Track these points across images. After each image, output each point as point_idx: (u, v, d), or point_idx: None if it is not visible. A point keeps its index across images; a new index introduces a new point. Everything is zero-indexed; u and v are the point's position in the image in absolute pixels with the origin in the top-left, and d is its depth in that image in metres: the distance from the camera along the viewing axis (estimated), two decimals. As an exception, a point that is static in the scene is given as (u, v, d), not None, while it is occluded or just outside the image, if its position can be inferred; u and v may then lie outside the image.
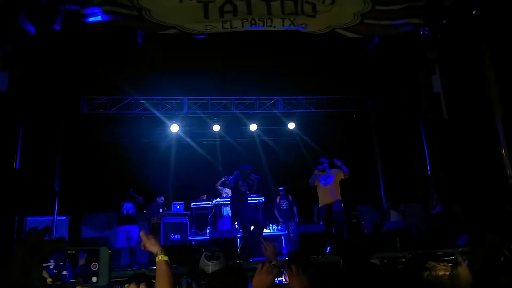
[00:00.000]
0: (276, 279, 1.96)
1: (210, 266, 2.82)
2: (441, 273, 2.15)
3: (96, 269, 1.09)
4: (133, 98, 10.36)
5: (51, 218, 9.74)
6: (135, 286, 1.26)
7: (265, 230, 9.70)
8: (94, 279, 1.08)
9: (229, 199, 9.88)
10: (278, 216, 10.07)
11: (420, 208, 10.04)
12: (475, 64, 8.52)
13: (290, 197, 10.04)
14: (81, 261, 1.07)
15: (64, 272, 1.08)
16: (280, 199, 10.04)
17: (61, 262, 1.08)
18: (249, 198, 9.81)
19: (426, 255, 3.08)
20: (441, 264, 2.25)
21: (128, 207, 8.91)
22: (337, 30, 7.15)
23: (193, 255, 3.07)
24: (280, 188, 10.15)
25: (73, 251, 1.09)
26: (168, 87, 10.09)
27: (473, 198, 9.17)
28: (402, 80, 10.24)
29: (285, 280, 2.68)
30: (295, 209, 9.96)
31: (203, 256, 2.91)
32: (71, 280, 1.08)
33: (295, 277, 1.89)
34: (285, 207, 9.90)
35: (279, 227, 10.10)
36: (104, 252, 1.11)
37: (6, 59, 7.26)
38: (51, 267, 1.05)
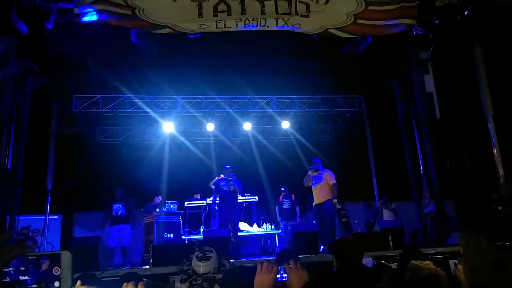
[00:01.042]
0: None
1: (201, 267, 2.83)
2: (424, 272, 2.17)
3: (58, 273, 1.06)
4: (126, 96, 10.31)
5: (43, 217, 9.68)
6: (133, 286, 1.25)
7: (257, 229, 9.73)
8: (56, 284, 1.05)
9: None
10: (278, 215, 10.09)
11: (412, 207, 10.11)
12: (467, 64, 8.60)
13: (293, 196, 10.08)
14: (44, 266, 1.05)
15: (25, 278, 1.06)
16: (282, 197, 10.08)
17: (22, 267, 1.06)
18: (239, 198, 9.88)
19: (416, 254, 3.11)
20: (424, 263, 2.27)
21: (117, 209, 8.88)
22: (330, 30, 7.17)
23: (186, 255, 3.07)
24: (282, 188, 10.17)
25: (34, 257, 1.06)
26: (162, 86, 10.05)
27: (465, 197, 9.26)
28: (395, 79, 10.29)
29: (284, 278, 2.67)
30: (297, 209, 10.01)
31: (194, 257, 2.92)
32: (33, 286, 1.06)
33: (294, 273, 1.88)
34: (287, 206, 9.94)
35: (272, 226, 10.13)
36: (66, 256, 1.10)
37: (-1, 58, 7.21)
38: (12, 272, 1.03)
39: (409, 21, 7.25)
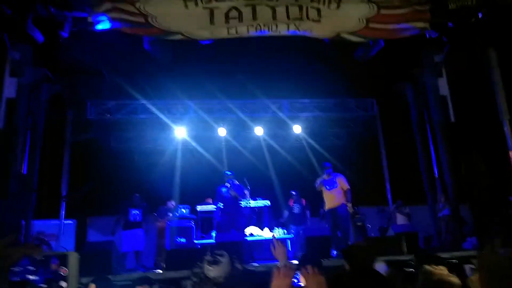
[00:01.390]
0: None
1: (211, 271, 2.82)
2: (436, 278, 2.14)
3: (65, 274, 1.10)
4: (139, 102, 10.42)
5: (58, 222, 9.82)
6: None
7: (269, 233, 9.69)
8: (64, 284, 1.08)
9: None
10: (286, 219, 10.02)
11: (427, 211, 9.99)
12: (481, 66, 8.48)
13: (303, 200, 9.98)
14: (54, 267, 1.05)
15: (34, 277, 1.07)
16: (293, 202, 10.00)
17: (32, 267, 1.07)
18: (251, 202, 9.89)
19: (430, 258, 3.07)
20: (436, 268, 2.23)
21: (135, 214, 8.87)
22: (342, 35, 7.15)
23: (199, 259, 3.06)
24: (293, 192, 10.08)
25: (43, 257, 1.09)
26: (174, 91, 10.14)
27: (480, 201, 9.11)
28: (408, 83, 10.21)
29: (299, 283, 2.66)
30: (308, 213, 9.91)
31: (205, 260, 2.91)
32: (42, 285, 1.07)
33: (311, 278, 1.85)
34: (297, 211, 9.83)
35: (285, 231, 10.08)
36: (73, 258, 1.11)
37: (15, 66, 7.36)
38: (21, 272, 1.03)
39: (421, 24, 7.19)
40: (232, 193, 8.31)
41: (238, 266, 2.97)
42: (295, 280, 2.02)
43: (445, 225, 9.17)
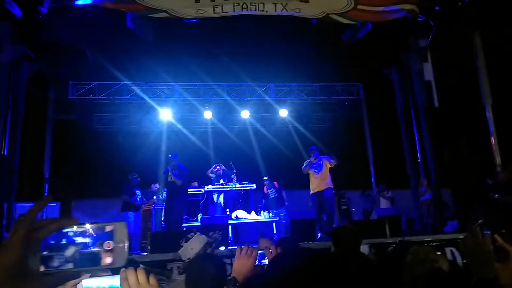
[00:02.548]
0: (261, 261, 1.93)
1: (183, 250, 2.86)
2: (423, 255, 2.16)
3: (110, 248, 0.91)
4: (123, 83, 10.23)
5: (41, 204, 9.66)
6: (132, 270, 1.22)
7: (255, 216, 9.72)
8: (109, 260, 0.90)
9: (221, 186, 9.91)
10: (263, 207, 9.97)
11: (410, 195, 10.15)
12: (467, 52, 8.54)
13: (275, 183, 9.93)
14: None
15: (81, 239, 0.87)
16: (267, 188, 9.94)
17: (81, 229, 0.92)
18: (235, 186, 9.80)
19: (414, 241, 3.12)
20: (425, 247, 2.26)
21: (140, 194, 8.86)
22: (331, 15, 7.08)
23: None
24: (265, 178, 10.04)
25: (81, 230, 0.90)
26: (159, 73, 9.97)
27: (462, 185, 9.29)
28: (394, 67, 10.24)
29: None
30: (284, 194, 9.85)
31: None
32: (92, 248, 0.90)
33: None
34: (273, 196, 9.82)
35: (270, 214, 10.12)
36: (121, 228, 0.93)
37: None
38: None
39: (409, 6, 7.17)
40: (173, 177, 7.93)
41: (209, 250, 2.96)
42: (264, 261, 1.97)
43: (427, 209, 9.33)
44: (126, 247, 0.92)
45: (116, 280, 1.25)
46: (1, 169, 7.47)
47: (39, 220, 0.85)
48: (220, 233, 3.14)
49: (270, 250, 1.87)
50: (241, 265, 1.83)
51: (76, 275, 0.93)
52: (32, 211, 0.84)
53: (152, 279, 1.23)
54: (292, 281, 0.96)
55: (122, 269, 1.22)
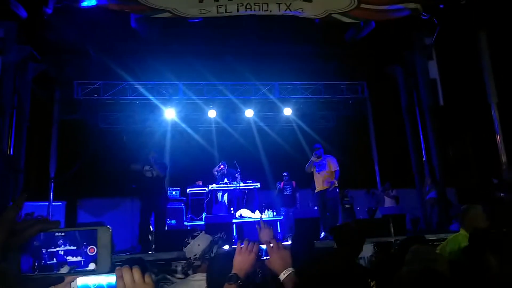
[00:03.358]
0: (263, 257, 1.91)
1: (188, 247, 2.88)
2: (423, 255, 2.16)
3: (93, 253, 0.88)
4: (127, 83, 10.27)
5: (47, 203, 9.74)
6: (127, 269, 1.21)
7: (259, 215, 9.74)
8: (92, 266, 0.88)
9: (225, 185, 9.93)
10: (280, 201, 10.07)
11: (415, 194, 10.12)
12: (472, 49, 8.49)
13: (294, 183, 10.05)
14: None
15: (73, 259, 0.87)
16: (284, 184, 10.06)
17: (73, 245, 0.87)
18: (239, 185, 9.77)
19: (417, 239, 3.12)
20: (427, 247, 2.26)
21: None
22: (333, 15, 7.07)
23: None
24: (284, 174, 10.13)
25: (63, 233, 0.87)
26: (163, 72, 10.00)
27: (467, 183, 9.25)
28: (398, 66, 10.20)
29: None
30: (297, 195, 10.00)
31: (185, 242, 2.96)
32: (84, 268, 0.87)
33: (276, 252, 1.80)
34: (288, 193, 9.92)
35: (274, 213, 10.14)
36: (104, 233, 0.89)
37: (-1, 43, 7.17)
38: (55, 254, 0.85)
39: (413, 5, 7.14)
40: (155, 172, 7.40)
41: (214, 249, 2.97)
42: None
43: (431, 207, 9.30)
44: (109, 252, 0.89)
45: (113, 278, 1.25)
46: (7, 169, 7.53)
47: (19, 222, 0.82)
48: (224, 233, 3.16)
49: (271, 245, 1.85)
50: (242, 261, 1.82)
51: (60, 280, 0.91)
52: (9, 213, 0.81)
53: (148, 278, 1.22)
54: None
55: (118, 267, 1.21)
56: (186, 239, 2.94)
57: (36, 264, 0.87)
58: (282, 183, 10.12)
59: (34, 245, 0.85)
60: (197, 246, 2.86)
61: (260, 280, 2.12)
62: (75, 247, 0.89)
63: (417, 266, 1.81)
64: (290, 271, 1.69)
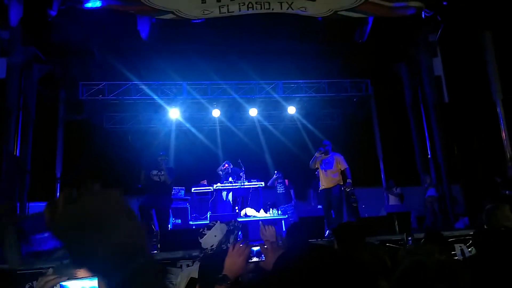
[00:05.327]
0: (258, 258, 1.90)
1: (204, 239, 2.86)
2: (414, 258, 2.14)
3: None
4: (132, 83, 10.31)
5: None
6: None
7: (264, 214, 9.76)
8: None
9: (229, 184, 9.95)
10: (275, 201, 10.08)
11: (420, 192, 10.09)
12: (476, 46, 8.44)
13: (286, 181, 10.04)
14: None
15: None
16: (277, 183, 10.05)
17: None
18: (243, 183, 9.78)
19: (436, 237, 3.11)
20: (421, 248, 2.24)
21: None
22: (340, 13, 7.06)
23: (194, 239, 3.10)
24: (275, 172, 10.16)
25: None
26: (167, 72, 10.03)
27: (473, 181, 9.20)
28: (402, 63, 10.16)
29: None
30: (292, 192, 9.99)
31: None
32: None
33: (271, 254, 1.80)
34: (281, 191, 9.93)
35: (279, 212, 10.16)
36: (8, 230, 0.89)
37: (4, 45, 7.23)
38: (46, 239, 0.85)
39: (417, 4, 7.12)
40: (162, 177, 7.35)
41: (231, 239, 2.96)
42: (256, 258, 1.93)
43: (431, 205, 9.28)
44: (15, 249, 0.85)
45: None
46: (13, 170, 7.60)
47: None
48: (237, 221, 3.13)
49: (266, 246, 1.85)
50: (232, 263, 1.81)
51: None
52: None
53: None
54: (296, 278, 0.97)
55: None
56: (202, 230, 2.91)
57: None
58: (275, 182, 10.09)
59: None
60: (213, 237, 2.85)
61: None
62: None
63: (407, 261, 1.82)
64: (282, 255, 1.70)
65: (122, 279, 0.65)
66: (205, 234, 2.86)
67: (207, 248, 2.84)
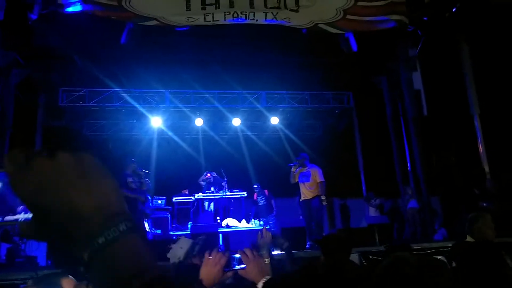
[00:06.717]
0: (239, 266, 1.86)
1: (171, 249, 2.96)
2: (393, 258, 2.13)
3: None
4: (113, 90, 10.17)
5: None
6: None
7: (246, 225, 9.70)
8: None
9: (211, 193, 9.86)
10: (253, 215, 9.98)
11: (400, 203, 10.20)
12: (455, 62, 8.66)
13: (266, 191, 10.00)
14: None
15: None
16: (257, 195, 9.98)
17: None
18: (225, 193, 9.73)
19: (402, 247, 3.12)
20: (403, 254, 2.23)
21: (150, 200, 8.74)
22: (320, 25, 7.17)
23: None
24: (255, 185, 10.07)
25: None
26: (149, 80, 9.94)
27: (451, 193, 9.36)
28: (383, 76, 10.34)
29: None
30: (273, 202, 9.95)
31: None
32: None
33: (252, 262, 1.76)
34: (262, 203, 9.87)
35: (261, 222, 10.10)
36: None
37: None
38: None
39: (398, 17, 7.28)
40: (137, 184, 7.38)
41: (196, 248, 3.00)
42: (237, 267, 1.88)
43: (412, 217, 9.38)
44: None
45: None
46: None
47: None
48: (205, 236, 3.21)
49: (247, 255, 1.81)
50: (207, 272, 1.77)
51: None
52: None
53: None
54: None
55: None
56: (168, 245, 3.00)
57: None
58: (255, 195, 10.01)
59: None
60: (179, 249, 2.91)
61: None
62: None
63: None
64: (269, 279, 1.67)
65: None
66: (171, 248, 2.93)
67: (174, 262, 2.89)
